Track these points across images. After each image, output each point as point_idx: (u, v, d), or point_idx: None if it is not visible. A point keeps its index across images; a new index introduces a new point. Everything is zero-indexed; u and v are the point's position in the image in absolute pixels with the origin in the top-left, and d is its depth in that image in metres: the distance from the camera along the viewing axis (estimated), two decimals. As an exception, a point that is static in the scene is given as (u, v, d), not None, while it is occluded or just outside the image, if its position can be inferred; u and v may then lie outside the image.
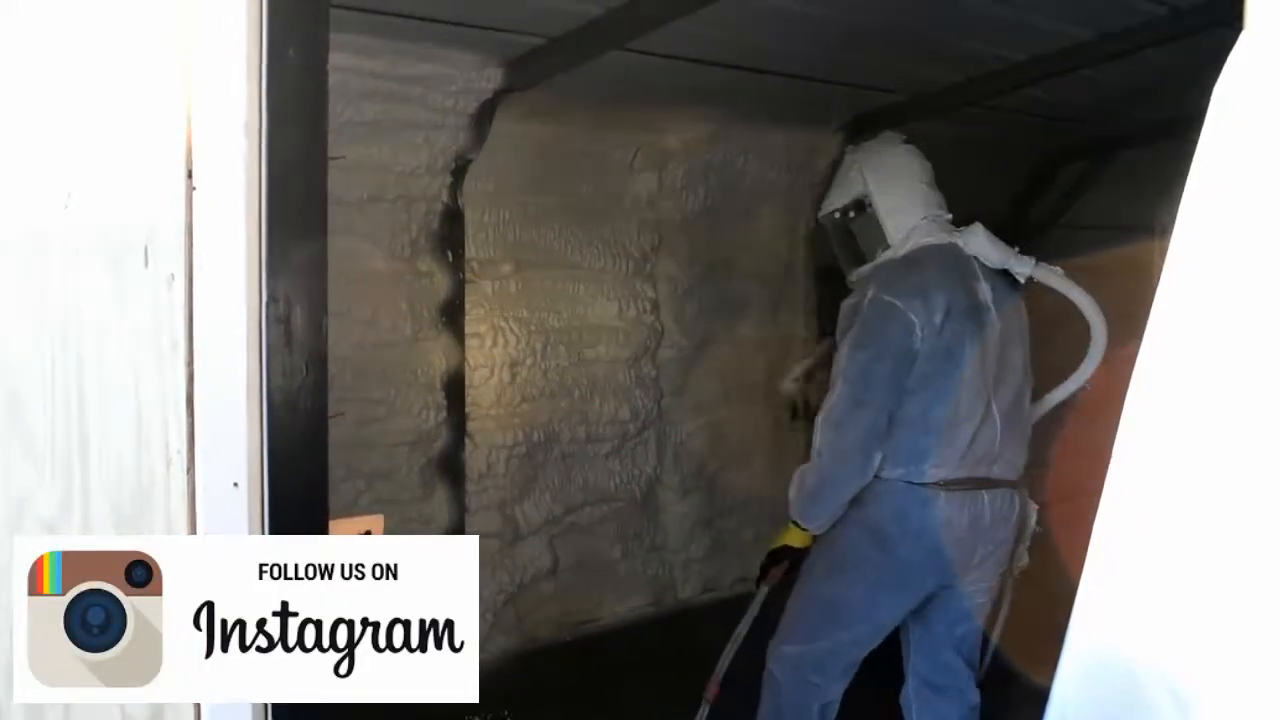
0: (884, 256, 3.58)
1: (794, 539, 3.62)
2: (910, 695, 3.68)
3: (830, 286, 4.99)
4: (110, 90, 1.93)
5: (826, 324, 5.64)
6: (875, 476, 3.43)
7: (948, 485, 3.40)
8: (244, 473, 1.60)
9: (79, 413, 2.04)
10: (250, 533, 1.61)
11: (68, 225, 2.05)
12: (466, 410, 4.66)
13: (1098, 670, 1.23)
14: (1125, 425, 1.22)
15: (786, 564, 3.69)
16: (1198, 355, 1.16)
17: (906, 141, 3.78)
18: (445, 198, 4.47)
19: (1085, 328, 3.63)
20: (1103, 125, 6.05)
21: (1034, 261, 3.58)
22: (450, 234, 4.52)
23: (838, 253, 3.88)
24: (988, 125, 5.62)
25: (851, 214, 3.70)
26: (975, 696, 3.64)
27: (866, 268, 3.62)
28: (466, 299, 4.62)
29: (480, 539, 4.76)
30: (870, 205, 3.62)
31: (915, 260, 3.49)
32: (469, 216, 4.57)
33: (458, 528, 4.67)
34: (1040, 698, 1.32)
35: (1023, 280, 3.57)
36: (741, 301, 5.55)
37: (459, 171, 4.45)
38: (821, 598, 3.57)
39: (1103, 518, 1.23)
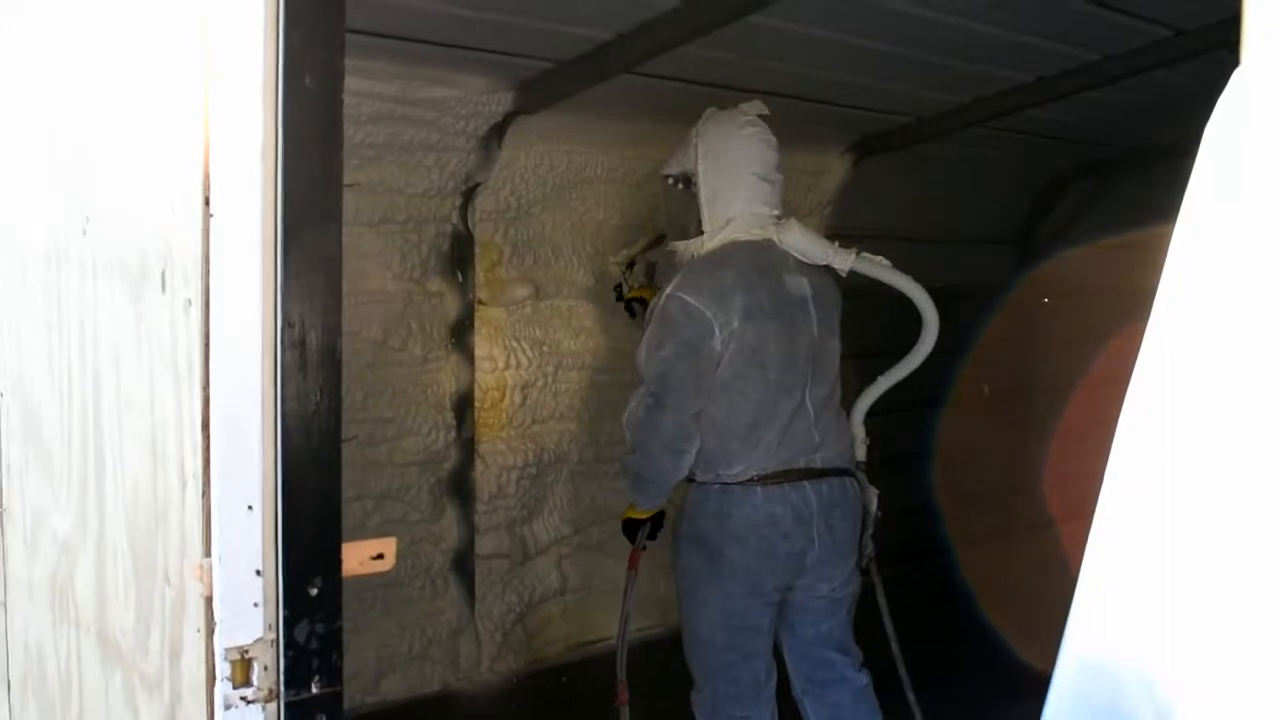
0: (690, 251, 3.51)
1: (633, 513, 3.74)
2: (799, 693, 3.65)
3: (845, 302, 4.98)
4: (129, 117, 1.96)
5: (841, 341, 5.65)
6: (692, 480, 3.46)
7: (764, 480, 3.35)
8: (258, 495, 1.62)
9: (95, 433, 2.06)
10: (264, 555, 1.63)
11: (86, 250, 2.08)
12: (477, 431, 4.68)
13: (1090, 682, 1.24)
14: (1119, 441, 1.23)
15: (644, 543, 3.77)
16: (1192, 371, 1.17)
17: (758, 120, 3.56)
18: (455, 219, 4.50)
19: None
20: (1109, 146, 6.06)
21: (854, 254, 3.52)
22: (460, 255, 4.55)
23: (665, 216, 3.85)
24: (994, 146, 5.64)
25: (679, 185, 3.62)
26: (862, 678, 3.62)
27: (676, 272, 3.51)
28: (478, 321, 4.65)
29: (490, 559, 4.83)
30: (695, 184, 3.51)
31: (720, 259, 3.40)
32: (480, 237, 4.60)
33: (467, 548, 4.69)
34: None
35: (844, 273, 3.53)
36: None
37: (469, 193, 4.48)
38: (692, 634, 3.57)
39: (1097, 529, 1.25)
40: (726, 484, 3.38)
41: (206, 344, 1.61)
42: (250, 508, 1.61)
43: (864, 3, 3.57)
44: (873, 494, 3.67)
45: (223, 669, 1.60)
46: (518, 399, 4.80)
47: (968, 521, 6.25)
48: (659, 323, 3.36)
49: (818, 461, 3.43)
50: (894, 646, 3.99)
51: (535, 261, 4.82)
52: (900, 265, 5.19)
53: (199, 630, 1.66)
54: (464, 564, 4.70)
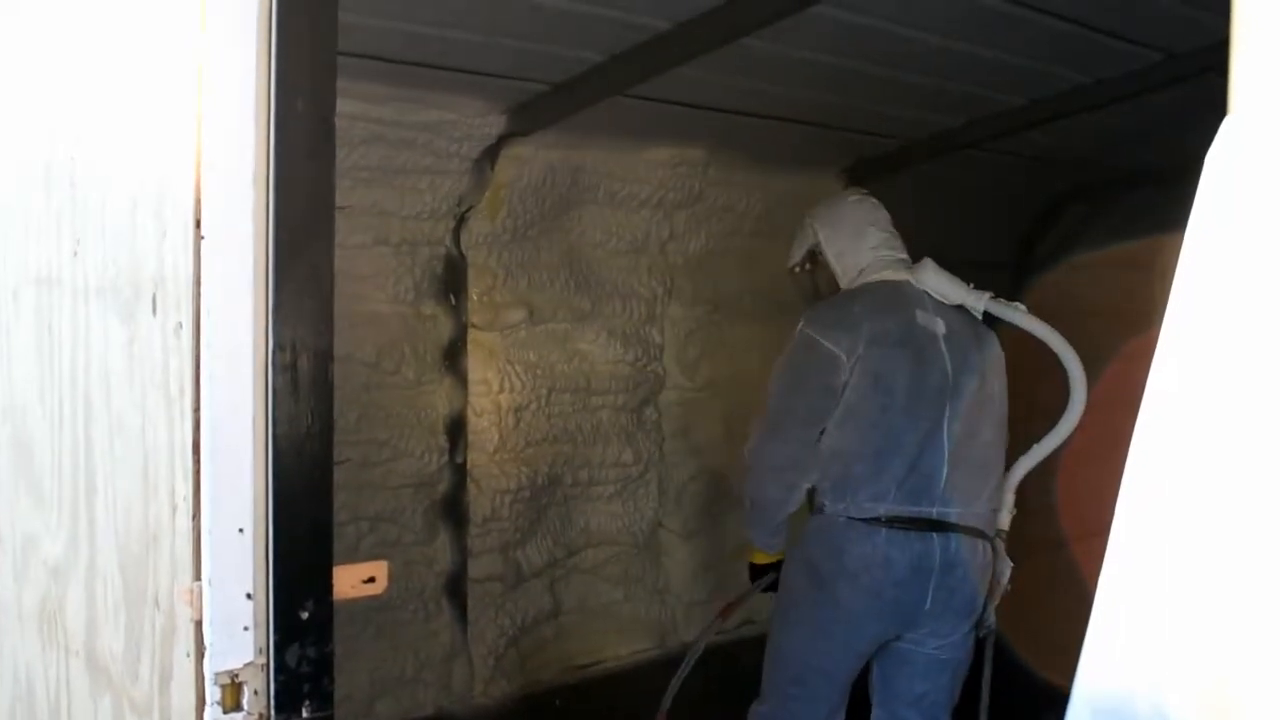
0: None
1: (756, 556, 3.70)
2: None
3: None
4: (120, 139, 1.96)
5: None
6: (819, 511, 3.41)
7: (890, 522, 3.30)
8: (249, 519, 1.61)
9: (86, 458, 2.06)
10: (255, 579, 1.62)
11: (78, 273, 2.08)
12: (470, 454, 4.67)
13: (1104, 711, 1.24)
14: (1131, 467, 1.23)
15: (757, 591, 3.74)
16: (1201, 397, 1.17)
17: (863, 195, 3.80)
18: (448, 242, 4.51)
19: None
20: (1102, 168, 6.08)
21: (988, 296, 3.52)
22: (453, 278, 4.55)
23: (804, 305, 3.78)
24: (989, 168, 5.66)
25: (808, 265, 3.74)
26: None
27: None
28: (472, 344, 4.64)
29: (483, 582, 4.82)
30: (821, 253, 3.66)
31: (851, 295, 3.50)
32: (474, 260, 4.60)
33: (460, 571, 4.68)
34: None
35: (978, 314, 3.52)
36: (744, 344, 5.56)
37: (462, 216, 4.48)
38: (774, 648, 3.54)
39: (1112, 552, 1.24)
40: (852, 518, 3.33)
41: (197, 367, 1.60)
42: (241, 531, 1.60)
43: (857, 26, 3.58)
44: (1006, 565, 3.57)
45: (212, 693, 1.59)
46: (511, 422, 4.79)
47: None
48: (787, 355, 3.44)
49: (951, 516, 3.36)
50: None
51: (529, 285, 4.82)
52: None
53: (189, 654, 1.64)
54: (457, 587, 4.68)
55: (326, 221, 1.67)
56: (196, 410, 1.61)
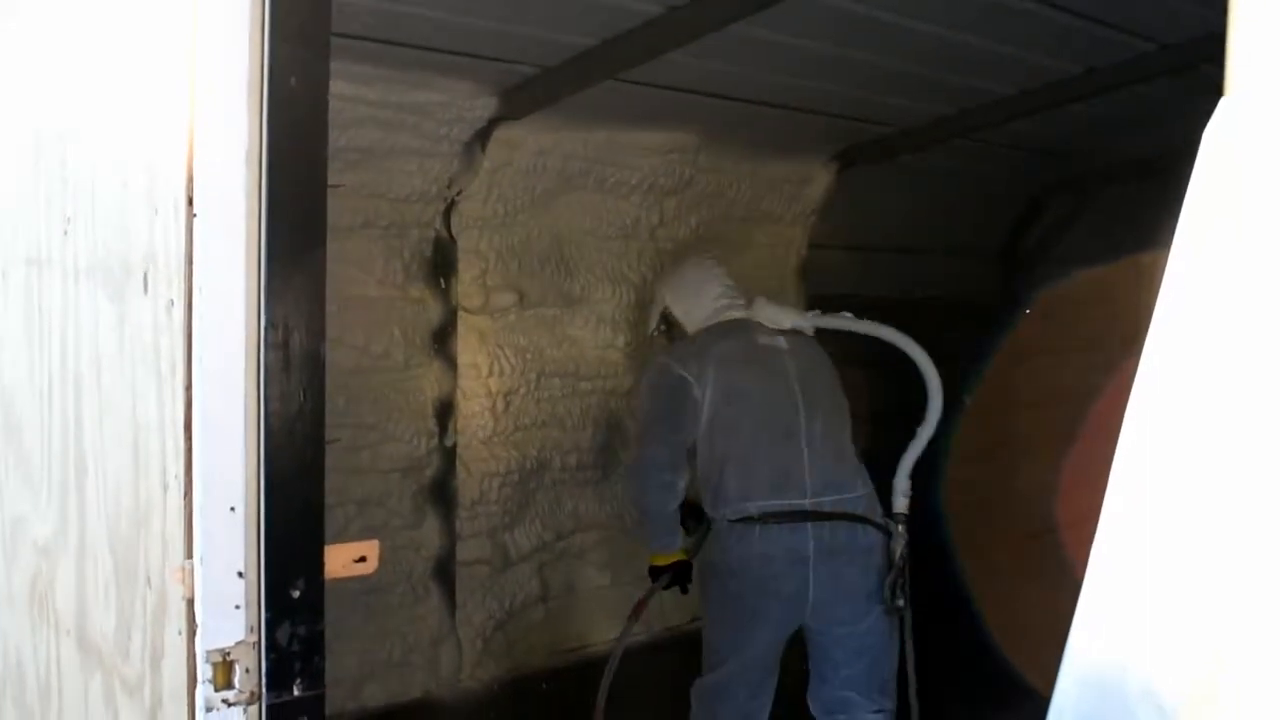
0: None
1: (655, 559, 4.09)
2: (816, 712, 3.94)
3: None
4: (112, 116, 1.95)
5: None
6: (712, 520, 3.84)
7: (764, 519, 3.69)
8: (241, 497, 1.61)
9: (76, 436, 2.05)
10: (246, 557, 1.62)
11: (68, 252, 2.07)
12: (459, 438, 4.67)
13: (1093, 689, 1.25)
14: (1122, 450, 1.24)
15: (661, 588, 4.10)
16: (1192, 378, 1.18)
17: (700, 257, 4.49)
18: (438, 225, 4.49)
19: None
20: (1092, 159, 6.09)
21: (816, 314, 4.20)
22: (442, 261, 4.54)
23: None
24: (978, 158, 5.67)
25: (663, 327, 4.41)
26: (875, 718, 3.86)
27: None
28: (461, 327, 4.64)
29: (471, 566, 4.82)
30: (670, 314, 4.30)
31: (699, 333, 4.10)
32: (464, 244, 4.59)
33: (448, 554, 4.68)
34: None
35: (810, 333, 4.15)
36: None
37: (452, 199, 4.47)
38: (704, 634, 3.95)
39: (1101, 539, 1.25)
40: (731, 521, 3.74)
41: (189, 345, 1.60)
42: (232, 509, 1.60)
43: (849, 13, 3.58)
44: (899, 541, 3.91)
45: (204, 671, 1.59)
46: (500, 406, 4.79)
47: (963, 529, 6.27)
48: (646, 380, 4.09)
49: (826, 505, 3.74)
50: (911, 693, 4.12)
51: (520, 269, 4.81)
52: (884, 276, 5.19)
53: (180, 633, 1.65)
54: (445, 571, 4.68)
55: (319, 199, 1.67)
56: (188, 388, 1.61)
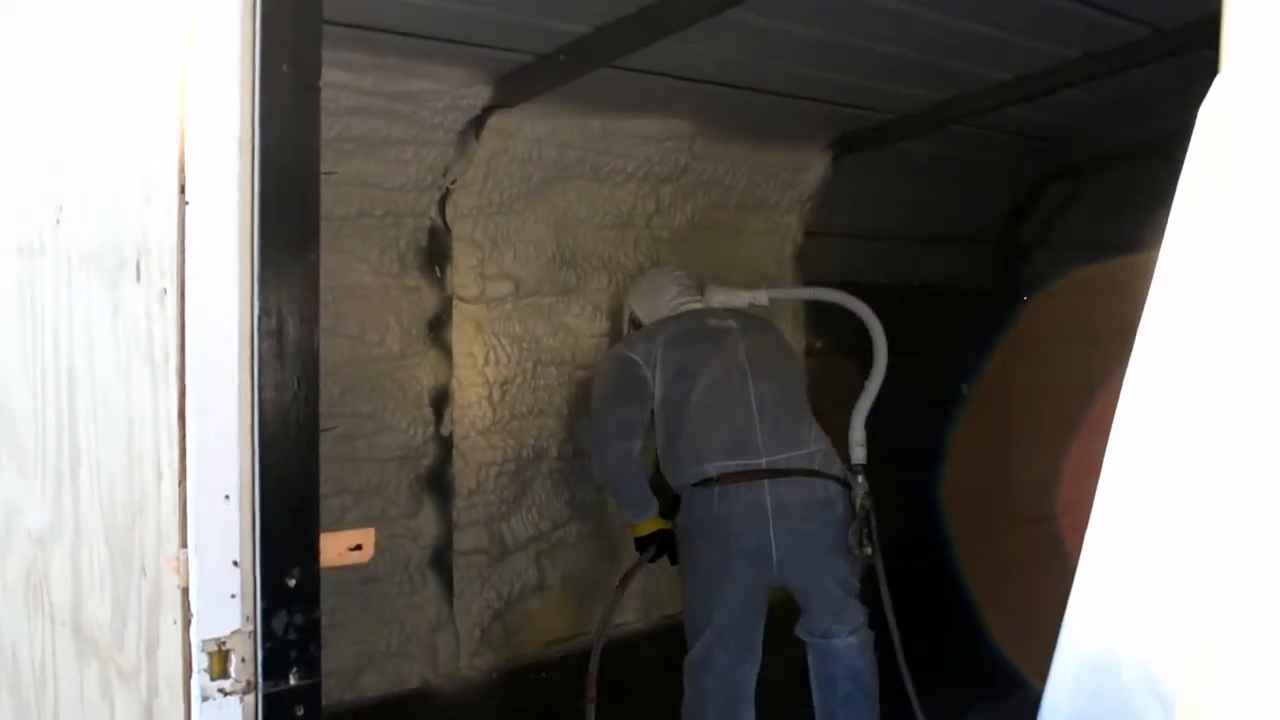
0: None
1: (637, 530, 4.33)
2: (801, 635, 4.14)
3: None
4: (103, 104, 1.94)
5: (815, 338, 5.68)
6: (678, 491, 4.08)
7: (722, 479, 3.92)
8: (235, 485, 1.60)
9: (70, 426, 2.04)
10: (241, 546, 1.61)
11: (60, 240, 2.06)
12: (455, 427, 4.66)
13: (1089, 674, 1.25)
14: (1116, 435, 1.24)
15: (637, 567, 4.36)
16: (1187, 365, 1.18)
17: (660, 267, 4.86)
18: (433, 213, 4.48)
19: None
20: (1087, 145, 6.08)
21: (765, 292, 4.67)
22: (438, 250, 4.53)
23: None
24: (974, 144, 5.66)
25: (634, 329, 4.59)
26: (854, 639, 4.07)
27: None
28: (457, 316, 4.63)
29: (468, 555, 4.83)
30: (636, 318, 4.55)
31: (651, 325, 4.39)
32: (459, 233, 4.58)
33: (445, 544, 4.67)
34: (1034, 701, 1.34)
35: (766, 305, 4.62)
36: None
37: (447, 188, 4.46)
38: (684, 606, 4.17)
39: (1095, 524, 1.25)
40: (692, 485, 3.97)
41: (182, 333, 1.59)
42: (227, 498, 1.59)
43: (844, -2, 3.58)
44: (859, 490, 4.15)
45: (200, 661, 1.58)
46: (497, 395, 4.78)
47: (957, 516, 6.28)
48: (601, 367, 4.42)
49: (781, 464, 3.95)
50: (895, 638, 4.31)
51: (515, 258, 4.80)
52: (881, 263, 5.21)
53: (175, 622, 1.64)
54: (442, 560, 4.68)
55: (312, 186, 1.66)
56: (182, 377, 1.61)
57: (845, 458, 4.28)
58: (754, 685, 3.99)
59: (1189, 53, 4.05)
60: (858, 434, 4.42)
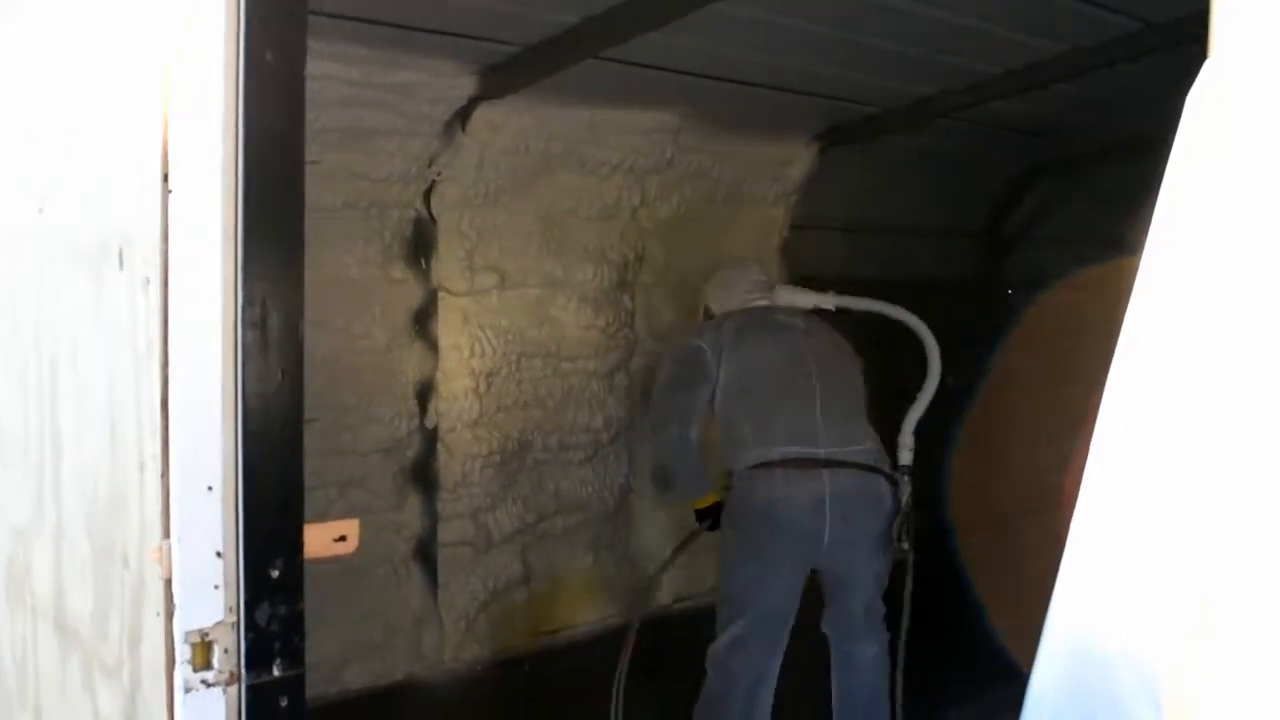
0: None
1: (697, 504, 4.43)
2: (828, 633, 4.28)
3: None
4: (85, 93, 1.93)
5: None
6: (733, 475, 4.15)
7: (784, 464, 4.02)
8: (219, 476, 1.59)
9: (52, 417, 2.03)
10: (224, 537, 1.60)
11: (43, 230, 2.05)
12: (440, 419, 4.65)
13: (1074, 661, 1.25)
14: (1100, 426, 1.24)
15: (694, 537, 4.53)
16: (1171, 357, 1.18)
17: (739, 262, 4.87)
18: (419, 206, 4.47)
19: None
20: (1075, 139, 6.08)
21: (833, 295, 4.66)
22: (423, 242, 4.51)
23: None
24: (961, 138, 5.66)
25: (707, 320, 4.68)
26: (874, 643, 4.24)
27: None
28: (442, 308, 4.62)
29: (453, 547, 4.81)
30: (709, 308, 4.64)
31: (721, 316, 4.49)
32: (445, 224, 4.57)
33: (430, 536, 4.66)
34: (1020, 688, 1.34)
35: (832, 309, 4.64)
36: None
37: (433, 180, 4.44)
38: (720, 592, 4.21)
39: (1079, 515, 1.25)
40: (752, 467, 4.05)
41: (166, 323, 1.58)
42: (210, 488, 1.58)
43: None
44: (904, 489, 4.28)
45: (183, 652, 1.57)
46: (482, 387, 4.77)
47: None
48: (665, 357, 4.50)
49: (839, 455, 4.07)
50: (903, 627, 4.38)
51: (501, 250, 4.79)
52: (869, 256, 5.22)
53: (158, 614, 1.63)
54: (427, 552, 4.67)
55: (296, 174, 1.64)
56: (165, 367, 1.59)
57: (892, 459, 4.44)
58: (777, 672, 4.12)
59: (1179, 47, 4.05)
60: (907, 438, 4.58)
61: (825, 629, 4.28)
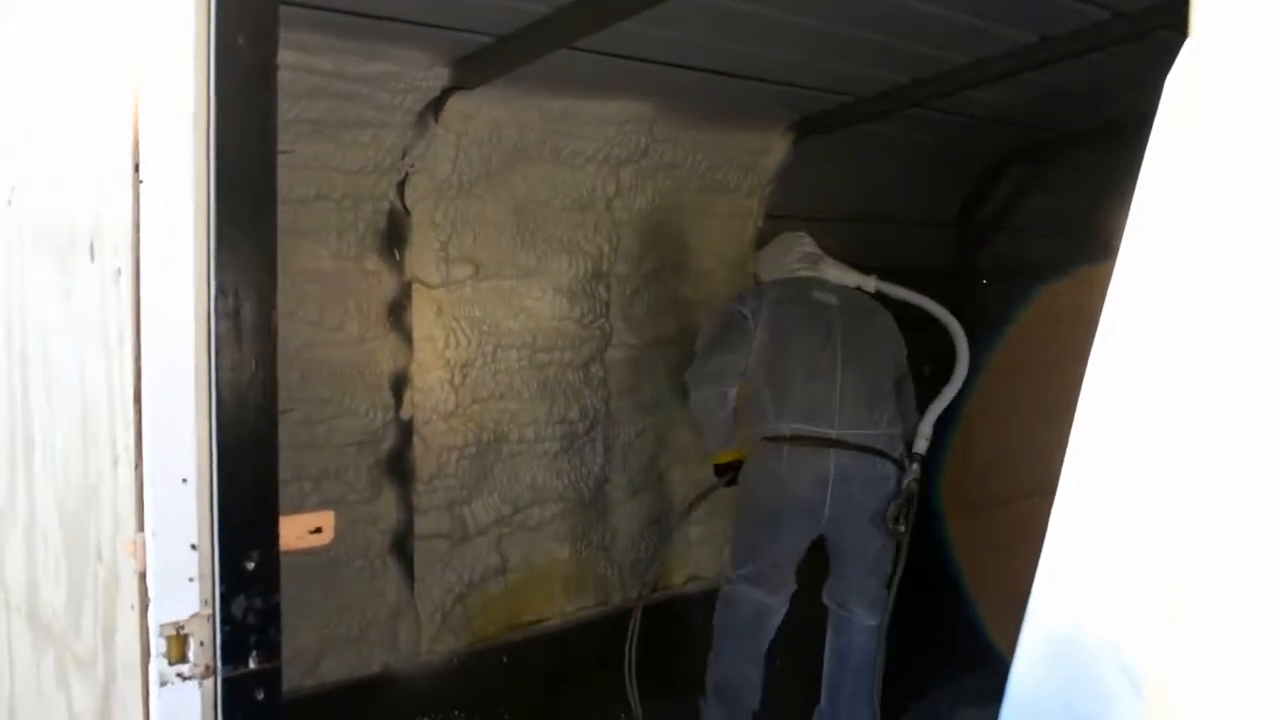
0: None
1: (719, 458, 4.75)
2: (827, 602, 4.57)
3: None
4: (55, 81, 1.91)
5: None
6: (753, 436, 4.46)
7: (794, 440, 4.31)
8: (193, 468, 1.58)
9: (24, 410, 2.02)
10: (199, 529, 1.59)
11: (12, 221, 2.03)
12: (415, 411, 4.63)
13: (1055, 647, 1.25)
14: (1081, 415, 1.24)
15: (712, 490, 4.87)
16: (1149, 347, 1.18)
17: (792, 232, 4.96)
18: (392, 196, 4.45)
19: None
20: (1047, 128, 6.11)
21: (875, 279, 4.83)
22: (396, 233, 4.50)
23: None
24: (934, 127, 5.67)
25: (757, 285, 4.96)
26: (870, 620, 4.51)
27: None
28: (417, 300, 4.60)
29: (429, 539, 4.81)
30: (759, 276, 4.94)
31: (765, 284, 4.76)
32: (418, 215, 4.55)
33: (406, 528, 4.65)
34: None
35: (870, 291, 4.80)
36: (690, 301, 5.56)
37: (406, 170, 4.43)
38: (734, 541, 4.61)
39: (1060, 501, 1.26)
40: (766, 439, 4.37)
41: (138, 314, 1.57)
42: (184, 481, 1.57)
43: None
44: (910, 475, 4.48)
45: (158, 645, 1.56)
46: (457, 378, 4.76)
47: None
48: (710, 319, 4.81)
49: (849, 438, 4.33)
50: (889, 600, 4.57)
51: (475, 241, 4.77)
52: (840, 245, 5.25)
53: (133, 607, 1.62)
54: (403, 544, 4.66)
55: (269, 165, 1.63)
56: (137, 359, 1.58)
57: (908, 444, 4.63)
58: (779, 618, 4.44)
59: (1150, 36, 4.06)
60: (927, 428, 4.71)
61: (825, 599, 4.56)
